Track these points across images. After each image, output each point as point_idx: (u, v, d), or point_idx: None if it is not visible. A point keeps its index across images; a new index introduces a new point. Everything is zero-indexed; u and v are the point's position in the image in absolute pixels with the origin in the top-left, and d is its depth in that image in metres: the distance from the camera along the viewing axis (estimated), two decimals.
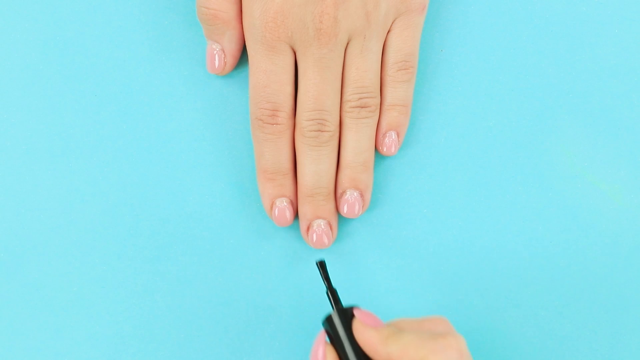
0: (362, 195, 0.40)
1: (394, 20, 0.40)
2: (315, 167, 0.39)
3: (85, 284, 0.41)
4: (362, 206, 0.40)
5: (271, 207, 0.40)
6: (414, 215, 0.42)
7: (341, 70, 0.39)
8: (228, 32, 0.40)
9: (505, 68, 0.43)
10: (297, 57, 0.39)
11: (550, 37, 0.43)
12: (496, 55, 0.43)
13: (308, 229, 0.40)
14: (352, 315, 0.35)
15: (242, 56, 0.42)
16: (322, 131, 0.39)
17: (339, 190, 0.40)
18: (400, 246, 0.42)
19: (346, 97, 0.40)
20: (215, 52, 0.41)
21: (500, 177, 0.42)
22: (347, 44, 0.39)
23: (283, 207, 0.40)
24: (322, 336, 0.35)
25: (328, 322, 0.35)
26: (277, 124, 0.39)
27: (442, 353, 0.31)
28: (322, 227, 0.40)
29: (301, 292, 0.41)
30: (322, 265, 0.37)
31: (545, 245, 0.42)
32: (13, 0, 0.42)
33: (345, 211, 0.40)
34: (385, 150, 0.41)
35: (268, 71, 0.39)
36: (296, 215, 0.41)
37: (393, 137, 0.41)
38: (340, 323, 0.34)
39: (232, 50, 0.41)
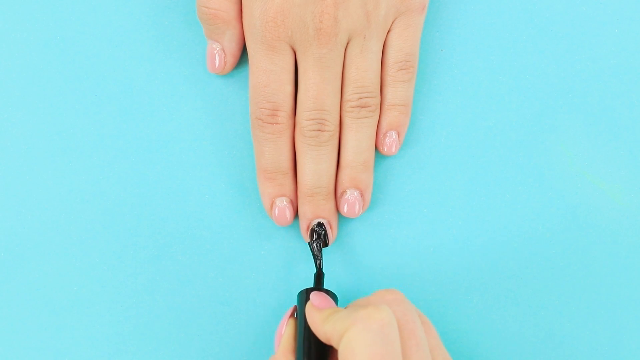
0: (362, 195, 0.40)
1: (394, 20, 0.40)
2: (315, 167, 0.39)
3: (85, 284, 0.41)
4: (362, 206, 0.40)
5: (271, 207, 0.40)
6: (414, 215, 0.42)
7: (341, 70, 0.39)
8: (228, 32, 0.40)
9: (505, 68, 0.43)
10: (297, 56, 0.39)
11: (550, 37, 0.43)
12: (496, 55, 0.43)
13: (308, 228, 0.40)
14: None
15: (242, 56, 0.42)
16: (322, 131, 0.39)
17: (339, 190, 0.40)
18: (400, 246, 0.42)
19: (346, 96, 0.40)
20: (215, 51, 0.41)
21: (500, 177, 0.42)
22: (347, 43, 0.39)
23: (283, 207, 0.40)
24: (290, 310, 0.37)
25: (300, 297, 0.37)
26: (277, 123, 0.39)
27: (361, 323, 0.31)
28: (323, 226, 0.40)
29: None
30: (320, 245, 0.40)
31: (545, 245, 0.42)
32: (13, 0, 0.42)
33: (345, 211, 0.40)
34: (385, 150, 0.41)
35: (268, 71, 0.39)
36: (296, 214, 0.41)
37: (394, 136, 0.41)
38: (304, 302, 0.37)
39: (232, 49, 0.41)
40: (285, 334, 0.36)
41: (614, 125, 0.43)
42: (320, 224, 0.40)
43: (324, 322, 0.34)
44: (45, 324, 0.40)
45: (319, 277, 0.39)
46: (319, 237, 0.40)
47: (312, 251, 0.40)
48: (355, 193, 0.40)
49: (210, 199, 0.41)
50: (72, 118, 0.42)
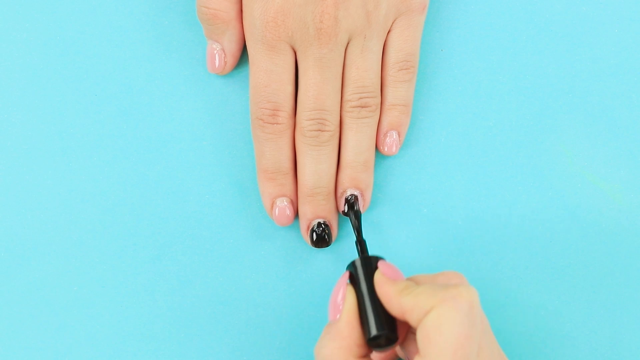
0: (362, 195, 0.40)
1: (395, 20, 0.40)
2: (315, 167, 0.39)
3: (85, 284, 0.41)
4: (362, 206, 0.40)
5: (271, 207, 0.40)
6: (414, 215, 0.42)
7: (341, 69, 0.39)
8: (228, 32, 0.40)
9: (505, 68, 0.43)
10: (297, 56, 0.39)
11: (550, 37, 0.43)
12: (496, 55, 0.43)
13: (308, 228, 0.40)
14: (376, 266, 0.35)
15: (243, 56, 0.42)
16: (322, 131, 0.39)
17: (340, 190, 0.40)
18: (400, 246, 0.42)
19: (346, 96, 0.40)
20: (215, 51, 0.41)
21: (500, 176, 0.42)
22: (348, 43, 0.39)
23: (283, 207, 0.40)
24: (345, 277, 0.36)
25: (353, 266, 0.36)
26: (277, 123, 0.39)
27: (452, 301, 0.31)
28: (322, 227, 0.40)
29: (301, 292, 0.41)
30: (355, 215, 0.39)
31: (545, 244, 0.42)
32: (13, 0, 0.42)
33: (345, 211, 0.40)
34: (386, 149, 0.41)
35: (268, 71, 0.39)
36: (296, 215, 0.41)
37: (394, 136, 0.41)
38: (363, 270, 0.35)
39: (232, 49, 0.41)
40: (347, 303, 0.34)
41: (614, 125, 0.43)
42: (320, 224, 0.40)
43: (400, 294, 0.33)
44: (45, 324, 0.40)
45: (362, 243, 0.38)
46: (352, 208, 0.39)
47: (351, 222, 0.39)
48: (355, 193, 0.40)
49: (210, 199, 0.41)
50: (72, 118, 0.42)
